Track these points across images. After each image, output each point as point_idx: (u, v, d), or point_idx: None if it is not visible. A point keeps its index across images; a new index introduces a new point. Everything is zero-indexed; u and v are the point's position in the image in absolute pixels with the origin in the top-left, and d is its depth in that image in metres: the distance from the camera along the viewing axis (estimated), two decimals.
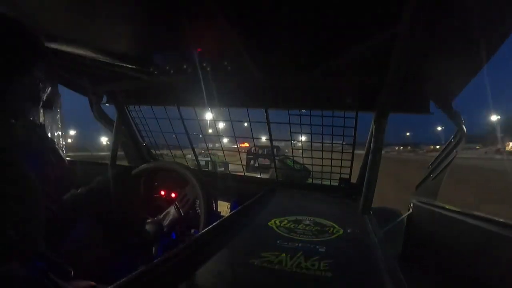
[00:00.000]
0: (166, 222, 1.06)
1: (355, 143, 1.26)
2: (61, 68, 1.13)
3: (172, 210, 1.08)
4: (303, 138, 1.36)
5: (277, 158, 1.45)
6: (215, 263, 0.56)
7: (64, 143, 0.65)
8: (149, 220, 1.06)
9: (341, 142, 1.29)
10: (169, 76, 1.13)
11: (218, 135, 1.50)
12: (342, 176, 1.29)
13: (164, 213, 1.08)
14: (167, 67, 1.09)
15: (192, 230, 1.15)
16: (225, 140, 1.61)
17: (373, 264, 0.61)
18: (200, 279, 0.51)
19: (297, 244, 0.65)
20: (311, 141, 1.32)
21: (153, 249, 1.03)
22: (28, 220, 0.44)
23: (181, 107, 1.42)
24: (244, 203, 0.96)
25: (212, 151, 1.70)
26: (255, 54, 0.93)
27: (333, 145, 1.30)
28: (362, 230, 0.80)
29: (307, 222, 0.82)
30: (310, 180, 1.43)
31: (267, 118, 1.31)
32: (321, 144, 1.30)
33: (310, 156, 1.37)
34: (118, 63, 1.06)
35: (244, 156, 1.66)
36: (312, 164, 1.42)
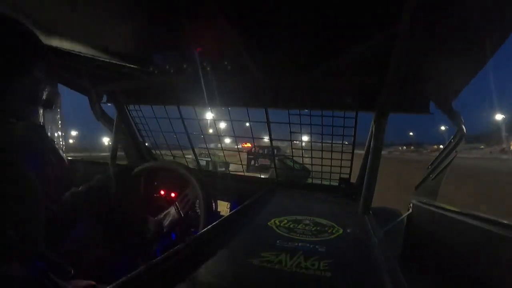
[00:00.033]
0: (166, 223, 1.06)
1: (355, 143, 1.26)
2: (61, 68, 1.13)
3: (172, 210, 1.08)
4: (303, 138, 1.36)
5: (277, 158, 1.45)
6: (214, 262, 0.56)
7: (64, 143, 0.65)
8: (149, 220, 1.06)
9: (341, 142, 1.29)
10: (169, 75, 1.13)
11: (218, 135, 1.50)
12: (342, 176, 1.29)
13: (164, 213, 1.08)
14: (167, 67, 1.09)
15: (192, 229, 1.15)
16: (227, 140, 1.61)
17: (373, 264, 0.61)
18: (199, 278, 0.51)
19: (296, 244, 0.65)
20: (311, 141, 1.32)
21: (153, 249, 1.03)
22: (28, 220, 0.44)
23: (181, 107, 1.42)
24: (243, 203, 0.96)
25: (212, 151, 1.70)
26: (255, 54, 0.93)
27: (333, 145, 1.30)
28: (361, 230, 0.80)
29: (307, 222, 0.82)
30: (310, 180, 1.43)
31: (267, 118, 1.31)
32: (321, 144, 1.30)
33: (310, 156, 1.37)
34: (118, 63, 1.06)
35: (244, 156, 1.66)
36: (312, 164, 1.42)
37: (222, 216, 0.88)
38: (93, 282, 0.62)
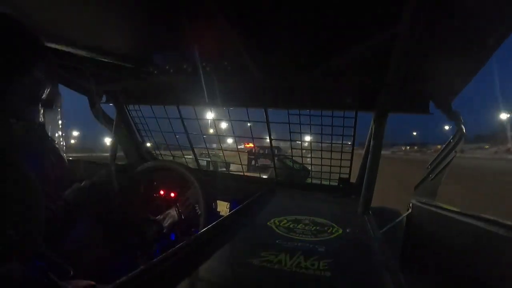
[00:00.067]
0: (166, 224, 1.07)
1: (356, 143, 1.26)
2: (61, 68, 1.13)
3: (172, 212, 1.08)
4: (302, 138, 1.36)
5: (277, 158, 1.45)
6: (214, 262, 0.56)
7: (64, 143, 0.65)
8: (149, 220, 1.07)
9: (340, 142, 1.29)
10: (169, 75, 1.13)
11: (218, 135, 1.50)
12: (342, 176, 1.29)
13: (164, 214, 1.09)
14: (167, 67, 1.09)
15: (193, 229, 1.15)
16: (229, 140, 1.61)
17: (372, 263, 0.61)
18: (199, 278, 0.51)
19: (296, 244, 0.65)
20: (311, 141, 1.32)
21: (153, 249, 1.03)
22: (28, 220, 0.44)
23: (181, 107, 1.42)
24: (243, 202, 0.96)
25: (213, 151, 1.70)
26: (255, 54, 0.93)
27: (333, 145, 1.30)
28: (361, 230, 0.80)
29: (307, 221, 0.82)
30: (309, 180, 1.44)
31: (267, 118, 1.31)
32: (320, 144, 1.30)
33: (310, 156, 1.37)
34: (118, 63, 1.06)
35: (244, 156, 1.66)
36: (311, 164, 1.42)
37: (222, 216, 0.88)
38: (92, 282, 0.62)
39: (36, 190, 0.46)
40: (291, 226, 0.78)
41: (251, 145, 1.80)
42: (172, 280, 0.48)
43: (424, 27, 0.68)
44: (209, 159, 1.77)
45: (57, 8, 0.76)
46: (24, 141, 0.53)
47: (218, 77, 1.10)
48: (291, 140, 1.33)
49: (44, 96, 0.57)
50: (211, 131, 1.56)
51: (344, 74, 1.05)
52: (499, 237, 0.63)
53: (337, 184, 1.31)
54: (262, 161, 1.64)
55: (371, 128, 1.08)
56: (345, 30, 0.79)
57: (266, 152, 1.44)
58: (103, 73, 1.22)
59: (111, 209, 0.91)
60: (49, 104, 0.59)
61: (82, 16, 0.80)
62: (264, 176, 1.49)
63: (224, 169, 1.90)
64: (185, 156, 1.59)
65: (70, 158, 1.71)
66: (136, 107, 1.52)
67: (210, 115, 1.54)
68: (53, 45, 0.88)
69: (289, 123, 1.27)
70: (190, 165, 1.47)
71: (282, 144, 1.47)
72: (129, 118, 1.58)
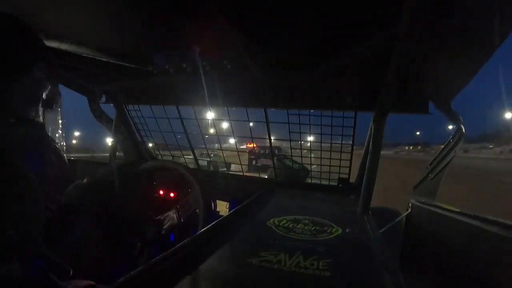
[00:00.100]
0: (165, 225, 1.07)
1: (356, 143, 1.26)
2: (61, 68, 1.13)
3: (172, 214, 1.09)
4: (302, 138, 1.36)
5: (276, 157, 1.45)
6: (213, 262, 0.56)
7: (64, 143, 0.65)
8: (149, 220, 1.07)
9: (340, 142, 1.30)
10: (169, 75, 1.13)
11: (217, 135, 1.50)
12: (341, 176, 1.29)
13: (164, 215, 1.09)
14: (167, 67, 1.09)
15: (192, 229, 1.16)
16: (232, 140, 1.61)
17: (372, 263, 0.61)
18: (198, 278, 0.51)
19: (295, 244, 0.65)
20: (310, 141, 1.32)
21: (153, 249, 1.03)
22: (28, 220, 0.44)
23: (181, 107, 1.42)
24: (243, 202, 0.96)
25: (214, 152, 1.70)
26: (255, 54, 0.93)
27: (333, 145, 1.30)
28: (360, 230, 0.80)
29: (306, 221, 0.82)
30: (309, 180, 1.44)
31: (266, 118, 1.31)
32: (320, 144, 1.30)
33: (309, 156, 1.37)
34: (118, 63, 1.06)
35: (244, 156, 1.66)
36: (311, 164, 1.42)
37: (221, 215, 0.88)
38: (92, 282, 0.62)
39: (36, 190, 0.46)
40: (290, 226, 0.78)
41: (253, 145, 1.81)
42: (171, 280, 0.48)
43: (424, 27, 0.68)
44: (209, 159, 1.77)
45: (57, 8, 0.76)
46: (24, 141, 0.53)
47: (218, 77, 1.10)
48: (290, 140, 1.33)
49: (44, 96, 0.57)
50: (212, 131, 1.56)
51: (344, 74, 1.05)
52: (498, 237, 0.63)
53: (336, 184, 1.31)
54: (262, 161, 1.63)
55: (371, 128, 1.08)
56: (345, 30, 0.79)
57: (267, 152, 1.44)
58: (102, 73, 1.22)
59: (111, 209, 0.91)
60: (49, 104, 0.59)
61: (82, 16, 0.80)
62: (264, 176, 1.49)
63: (225, 169, 1.90)
64: (185, 156, 1.59)
65: (72, 158, 1.71)
66: (136, 107, 1.52)
67: (210, 115, 1.54)
68: (53, 45, 0.88)
69: (288, 123, 1.27)
70: (190, 165, 1.47)
71: (284, 144, 1.47)
72: (129, 118, 1.58)
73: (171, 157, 1.62)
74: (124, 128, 1.58)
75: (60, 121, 0.65)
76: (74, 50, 0.95)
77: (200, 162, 1.61)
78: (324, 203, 1.17)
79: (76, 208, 0.75)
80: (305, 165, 1.45)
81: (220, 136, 1.50)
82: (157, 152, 1.68)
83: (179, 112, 1.43)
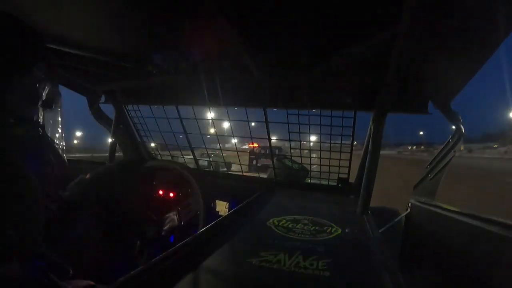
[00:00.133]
0: (166, 226, 1.07)
1: (356, 143, 1.26)
2: (61, 68, 1.13)
3: (173, 216, 1.09)
4: (302, 138, 1.36)
5: (276, 157, 1.45)
6: (213, 262, 0.56)
7: (64, 143, 0.65)
8: (149, 220, 1.07)
9: (339, 142, 1.30)
10: (169, 75, 1.13)
11: (217, 135, 1.50)
12: (341, 176, 1.30)
13: (165, 217, 1.09)
14: (167, 67, 1.09)
15: (192, 229, 1.16)
16: (233, 140, 1.61)
17: (371, 263, 0.61)
18: (198, 278, 0.51)
19: (295, 244, 0.66)
20: (310, 141, 1.32)
21: (153, 249, 1.03)
22: (28, 220, 0.44)
23: (181, 107, 1.42)
24: (242, 202, 0.96)
25: (215, 152, 1.70)
26: (255, 54, 0.93)
27: (332, 145, 1.30)
28: (360, 230, 0.81)
29: (306, 221, 0.82)
30: (308, 180, 1.44)
31: (266, 118, 1.31)
32: (319, 144, 1.30)
33: (309, 156, 1.37)
34: (118, 63, 1.06)
35: (245, 156, 1.66)
36: (310, 164, 1.42)
37: (221, 215, 0.89)
38: (92, 282, 0.62)
39: (36, 190, 0.46)
40: (290, 226, 0.78)
41: (256, 145, 1.81)
42: (171, 279, 0.48)
43: (424, 27, 0.68)
44: (209, 159, 1.77)
45: (57, 8, 0.76)
46: (24, 141, 0.53)
47: (217, 77, 1.10)
48: (290, 140, 1.33)
49: (44, 96, 0.57)
50: (212, 131, 1.56)
51: (344, 74, 1.05)
52: (497, 237, 0.63)
53: (336, 184, 1.31)
54: (263, 161, 1.63)
55: (370, 128, 1.08)
56: (345, 30, 0.79)
57: (268, 152, 1.44)
58: (102, 73, 1.22)
59: (111, 205, 0.91)
60: (49, 104, 0.59)
61: (82, 16, 0.80)
62: (264, 176, 1.49)
63: (225, 169, 1.90)
64: (184, 156, 1.59)
65: (72, 158, 1.71)
66: (135, 107, 1.52)
67: (209, 115, 1.54)
68: (53, 45, 0.88)
69: (288, 123, 1.27)
70: (190, 165, 1.47)
71: (286, 144, 1.47)
72: (128, 118, 1.58)
73: (170, 158, 1.62)
74: (124, 128, 1.58)
75: (60, 121, 0.65)
76: (74, 50, 0.95)
77: (200, 162, 1.61)
78: (323, 203, 1.17)
79: (79, 204, 0.75)
80: (304, 165, 1.45)
81: (220, 136, 1.50)
82: (157, 152, 1.68)
83: (178, 112, 1.43)
